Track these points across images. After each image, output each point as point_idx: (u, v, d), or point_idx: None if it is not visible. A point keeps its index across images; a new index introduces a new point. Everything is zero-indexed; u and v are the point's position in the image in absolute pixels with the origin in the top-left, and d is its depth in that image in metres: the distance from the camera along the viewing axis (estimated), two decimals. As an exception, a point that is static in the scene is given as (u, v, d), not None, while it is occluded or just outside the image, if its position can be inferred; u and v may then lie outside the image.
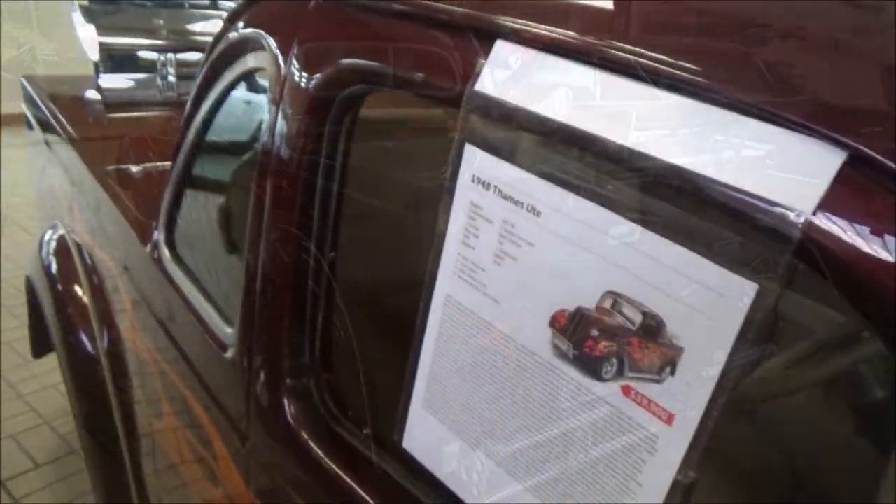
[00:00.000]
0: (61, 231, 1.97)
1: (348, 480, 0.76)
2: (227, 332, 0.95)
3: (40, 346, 2.31)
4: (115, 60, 2.56)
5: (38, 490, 2.23)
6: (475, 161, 0.57)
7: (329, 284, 0.80)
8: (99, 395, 1.74)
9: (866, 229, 0.39)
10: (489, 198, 0.56)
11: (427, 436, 0.68)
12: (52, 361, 2.71)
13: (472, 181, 0.57)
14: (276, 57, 0.82)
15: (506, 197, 0.55)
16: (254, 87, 1.06)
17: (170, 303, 1.14)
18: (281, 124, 0.79)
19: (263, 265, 0.83)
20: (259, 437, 0.86)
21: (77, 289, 1.84)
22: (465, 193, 0.58)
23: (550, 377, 0.55)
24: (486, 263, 0.58)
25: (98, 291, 1.80)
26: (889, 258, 0.38)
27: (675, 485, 0.54)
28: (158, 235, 1.22)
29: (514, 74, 0.55)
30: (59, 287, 1.87)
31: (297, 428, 0.81)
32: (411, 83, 0.65)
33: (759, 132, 0.42)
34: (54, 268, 1.91)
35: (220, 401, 0.97)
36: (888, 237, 0.38)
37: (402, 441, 0.70)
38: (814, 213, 0.39)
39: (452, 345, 0.63)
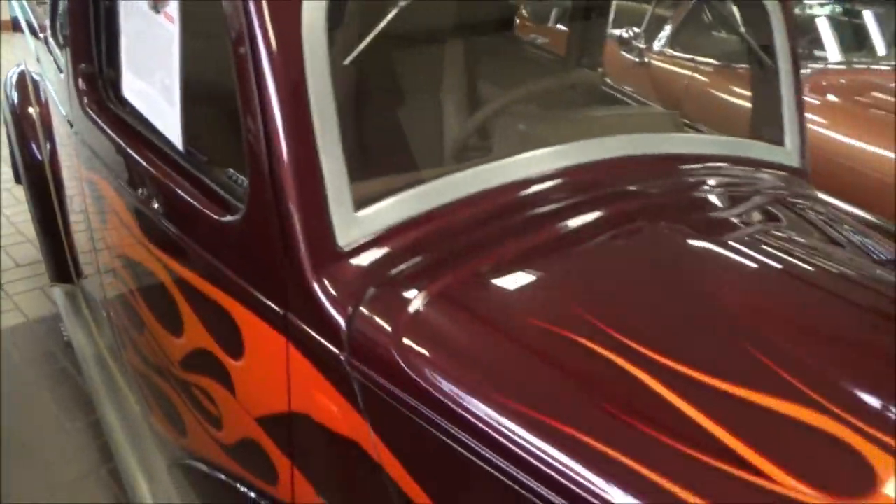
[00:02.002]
0: (22, 68, 2.57)
1: (114, 134, 1.34)
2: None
3: (18, 171, 2.95)
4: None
5: (18, 280, 2.92)
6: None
7: (108, 20, 1.37)
8: (41, 183, 2.38)
9: None
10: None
11: (133, 88, 1.26)
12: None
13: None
14: None
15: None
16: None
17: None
18: None
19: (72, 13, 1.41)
20: (77, 120, 1.46)
21: (30, 109, 2.45)
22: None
23: (152, 21, 1.11)
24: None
25: (45, 113, 2.40)
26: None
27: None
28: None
29: None
30: (18, 110, 2.48)
31: (87, 100, 1.39)
32: None
33: None
34: (15, 96, 2.52)
35: (68, 114, 1.57)
36: None
37: (124, 91, 1.28)
38: None
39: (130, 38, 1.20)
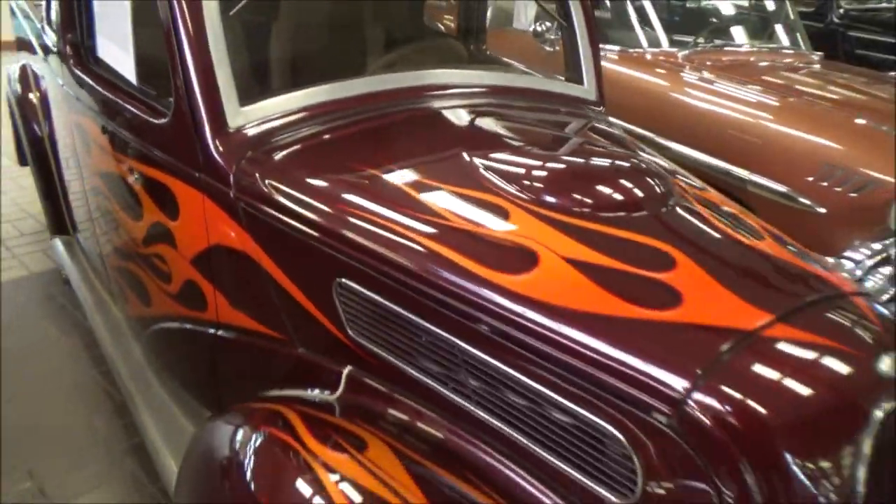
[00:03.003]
0: (23, 62, 3.12)
1: (92, 83, 1.88)
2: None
3: (23, 154, 3.48)
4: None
5: (22, 245, 3.45)
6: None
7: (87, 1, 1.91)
8: (43, 155, 2.92)
9: None
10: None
11: (103, 48, 1.79)
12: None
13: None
14: None
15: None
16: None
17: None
18: None
19: None
20: (65, 78, 1.99)
21: (31, 95, 2.99)
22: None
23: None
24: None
25: (44, 99, 2.95)
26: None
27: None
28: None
29: None
30: (21, 97, 3.03)
31: (73, 62, 1.93)
32: None
33: None
34: (18, 87, 3.06)
35: (60, 76, 2.11)
36: None
37: (98, 52, 1.82)
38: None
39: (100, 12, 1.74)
